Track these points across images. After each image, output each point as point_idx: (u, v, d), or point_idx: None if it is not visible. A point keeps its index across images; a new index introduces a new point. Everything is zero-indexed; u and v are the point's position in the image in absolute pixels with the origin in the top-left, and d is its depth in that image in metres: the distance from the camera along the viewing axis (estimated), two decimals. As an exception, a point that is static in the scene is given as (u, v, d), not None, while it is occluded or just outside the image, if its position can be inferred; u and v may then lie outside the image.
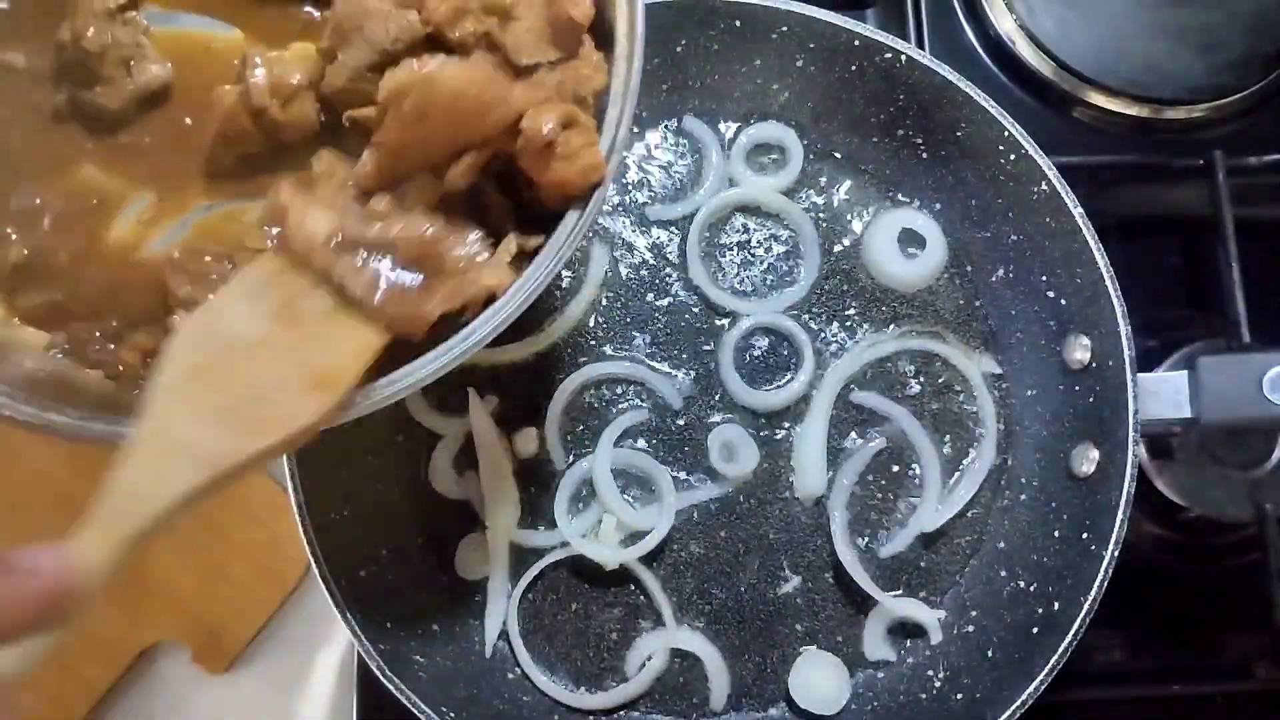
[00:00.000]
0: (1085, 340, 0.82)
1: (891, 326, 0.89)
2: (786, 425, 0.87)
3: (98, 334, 0.62)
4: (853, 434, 0.87)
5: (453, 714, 0.76)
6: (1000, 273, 0.88)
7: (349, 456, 0.81)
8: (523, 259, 0.59)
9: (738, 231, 0.91)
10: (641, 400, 0.87)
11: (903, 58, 0.84)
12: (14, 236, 0.62)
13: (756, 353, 0.88)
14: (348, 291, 0.57)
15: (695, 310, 0.89)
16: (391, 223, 0.58)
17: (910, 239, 0.89)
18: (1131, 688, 0.88)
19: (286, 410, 0.56)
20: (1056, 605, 0.78)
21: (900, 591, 0.84)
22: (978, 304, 0.89)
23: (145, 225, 0.63)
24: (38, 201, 0.62)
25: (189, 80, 0.65)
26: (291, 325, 0.57)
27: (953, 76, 0.84)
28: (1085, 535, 0.78)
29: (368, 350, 0.57)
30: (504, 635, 0.83)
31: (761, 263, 0.90)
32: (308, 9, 0.66)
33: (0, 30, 0.63)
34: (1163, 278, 0.97)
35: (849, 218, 0.91)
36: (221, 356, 0.56)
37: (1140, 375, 0.77)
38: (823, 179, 0.91)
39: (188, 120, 0.64)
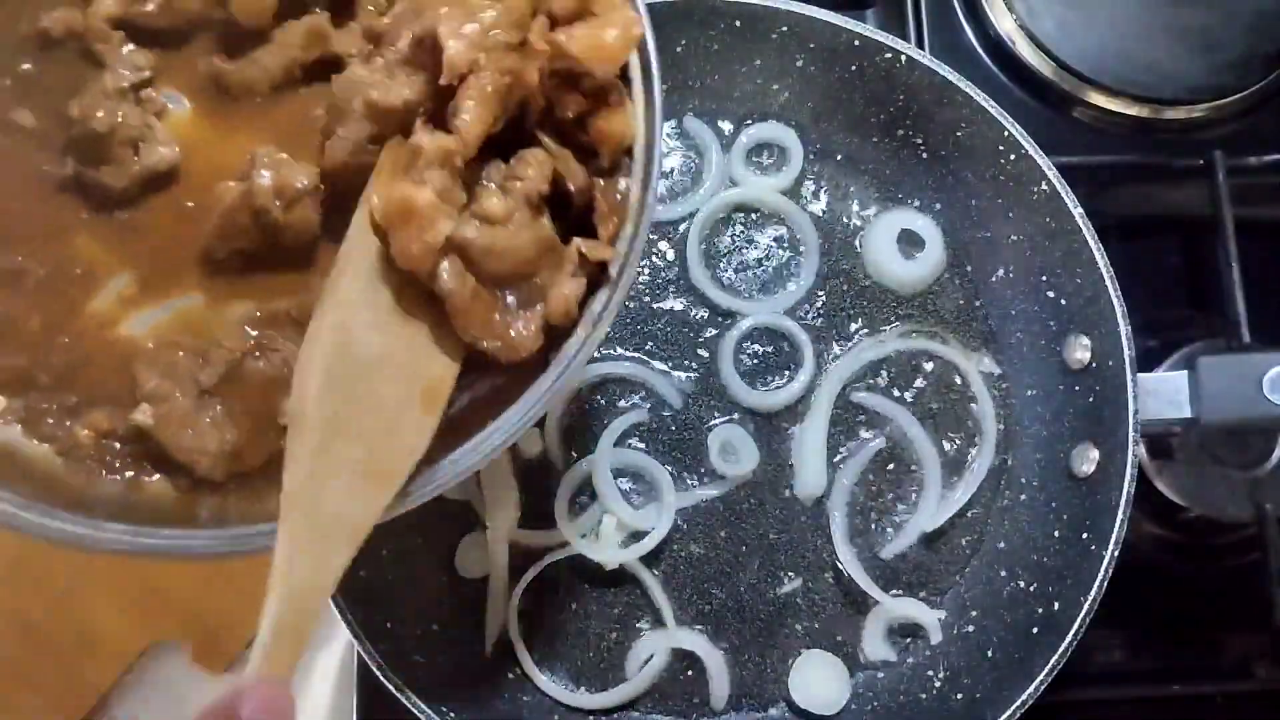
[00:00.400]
0: (1085, 340, 0.82)
1: (891, 326, 0.89)
2: (786, 425, 0.87)
3: (56, 407, 0.60)
4: (853, 434, 0.87)
5: (453, 714, 0.76)
6: (1000, 273, 0.88)
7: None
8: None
9: (738, 231, 0.91)
10: (642, 400, 0.87)
11: (903, 58, 0.84)
12: None
13: (756, 353, 0.88)
14: (453, 302, 0.52)
15: (695, 310, 0.89)
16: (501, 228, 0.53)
17: (909, 240, 0.89)
18: (1131, 688, 0.88)
19: (409, 441, 0.51)
20: (1056, 605, 0.78)
21: (900, 591, 0.84)
22: (978, 304, 0.89)
23: (126, 303, 0.62)
24: (20, 261, 0.61)
25: (198, 165, 0.63)
26: (406, 323, 0.52)
27: (953, 76, 0.84)
28: (1085, 535, 0.78)
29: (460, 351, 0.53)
30: (504, 635, 0.83)
31: (761, 263, 0.90)
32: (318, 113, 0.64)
33: (12, 88, 0.62)
34: (1163, 278, 0.97)
35: (849, 218, 0.91)
36: (353, 391, 0.50)
37: (1140, 375, 0.77)
38: (823, 179, 0.91)
39: (190, 204, 0.63)
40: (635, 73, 0.58)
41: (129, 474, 0.61)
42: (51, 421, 0.61)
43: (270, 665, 0.47)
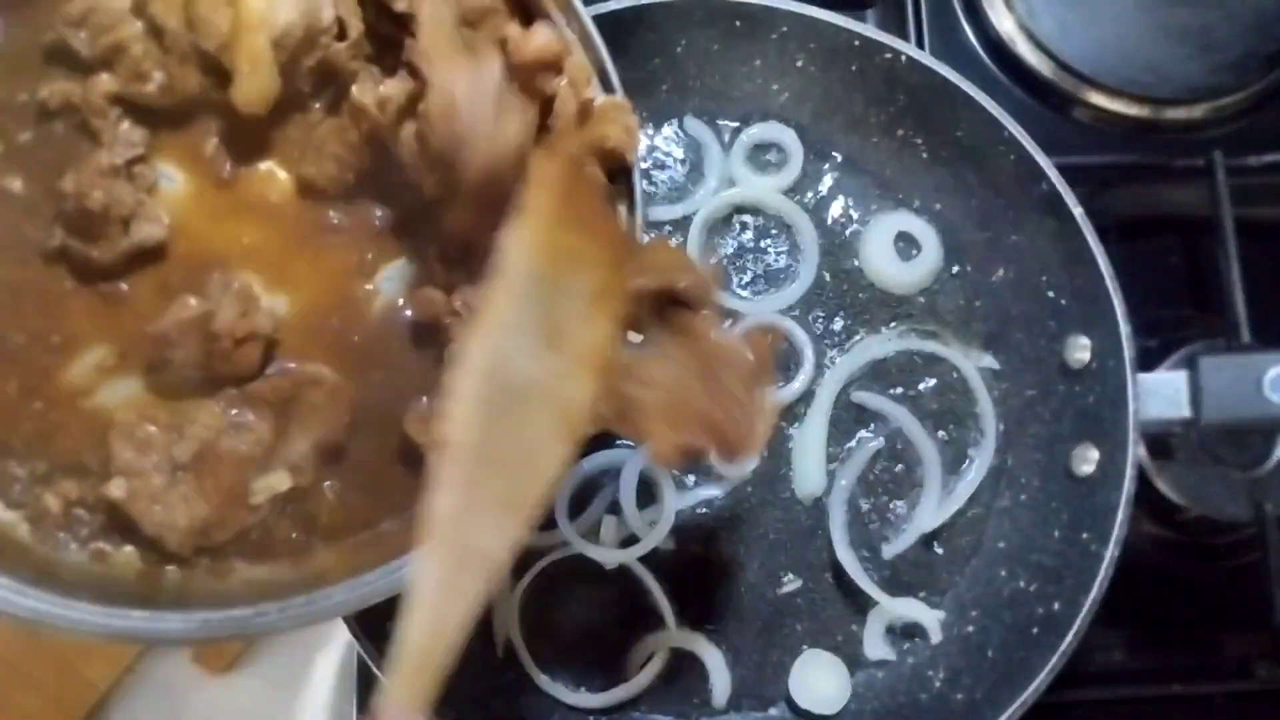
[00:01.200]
0: (1085, 340, 0.82)
1: (891, 326, 0.89)
2: (785, 425, 0.87)
3: (26, 473, 0.61)
4: (853, 434, 0.87)
5: (453, 714, 0.75)
6: (1000, 273, 0.88)
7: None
8: None
9: (738, 231, 0.91)
10: (641, 400, 0.87)
11: (903, 58, 0.84)
12: None
13: (756, 353, 0.88)
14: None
15: (695, 310, 0.89)
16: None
17: (907, 241, 0.90)
18: (1131, 688, 0.88)
19: (546, 472, 0.49)
20: (1056, 605, 0.78)
21: (900, 592, 0.84)
22: (978, 304, 0.89)
23: (102, 373, 0.62)
24: None
25: (185, 245, 0.64)
26: (558, 348, 0.50)
27: (953, 76, 0.83)
28: (1085, 535, 0.78)
29: (603, 358, 0.52)
30: (504, 635, 0.83)
31: (761, 262, 0.90)
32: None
33: (4, 155, 0.62)
34: (1163, 278, 0.97)
35: (848, 218, 0.91)
36: (503, 419, 0.48)
37: (1140, 375, 0.77)
38: (823, 179, 0.91)
39: (175, 281, 0.63)
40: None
41: (95, 545, 0.61)
42: (20, 488, 0.61)
43: (404, 691, 0.46)
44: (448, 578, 0.47)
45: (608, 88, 0.63)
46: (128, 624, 0.56)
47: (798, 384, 0.87)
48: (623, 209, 0.62)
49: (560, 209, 0.51)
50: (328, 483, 0.64)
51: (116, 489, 0.58)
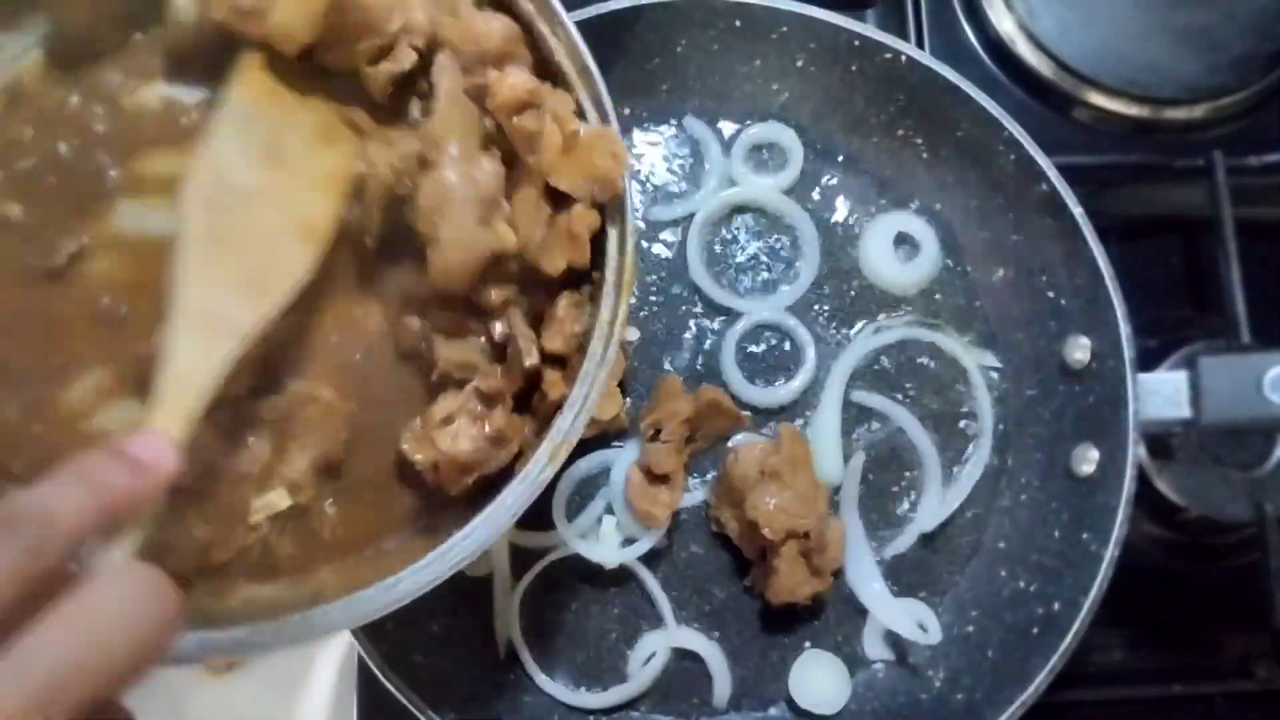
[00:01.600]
0: (1085, 340, 0.82)
1: (892, 326, 0.88)
2: (788, 423, 0.87)
3: None
4: (848, 434, 0.87)
5: (453, 714, 0.76)
6: (1000, 273, 0.88)
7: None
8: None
9: (738, 231, 0.91)
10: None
11: (903, 58, 0.84)
12: None
13: (757, 351, 0.88)
14: None
15: (696, 309, 0.89)
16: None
17: (905, 243, 0.90)
18: (1131, 688, 0.88)
19: (288, 265, 0.59)
20: (1056, 605, 0.78)
21: (901, 592, 0.84)
22: (978, 304, 0.89)
23: (101, 395, 0.62)
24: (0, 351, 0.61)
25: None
26: (278, 167, 0.60)
27: (953, 76, 0.84)
28: (1085, 535, 0.78)
29: (342, 183, 0.61)
30: (505, 635, 0.83)
31: (762, 262, 0.90)
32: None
33: (4, 181, 0.63)
34: (1163, 278, 0.97)
35: (848, 218, 0.91)
36: (229, 211, 0.58)
37: (1140, 375, 0.77)
38: (823, 179, 0.91)
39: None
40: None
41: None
42: None
43: (156, 423, 0.52)
44: (191, 336, 0.55)
45: (601, 112, 0.63)
46: None
47: (798, 381, 0.87)
48: (613, 232, 0.63)
49: (267, 69, 0.62)
50: (328, 500, 0.64)
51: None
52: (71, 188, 0.64)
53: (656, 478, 0.81)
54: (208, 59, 0.63)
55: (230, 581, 0.62)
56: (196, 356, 0.54)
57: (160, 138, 0.65)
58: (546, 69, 0.64)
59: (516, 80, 0.60)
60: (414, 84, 0.63)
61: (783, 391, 0.87)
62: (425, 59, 0.62)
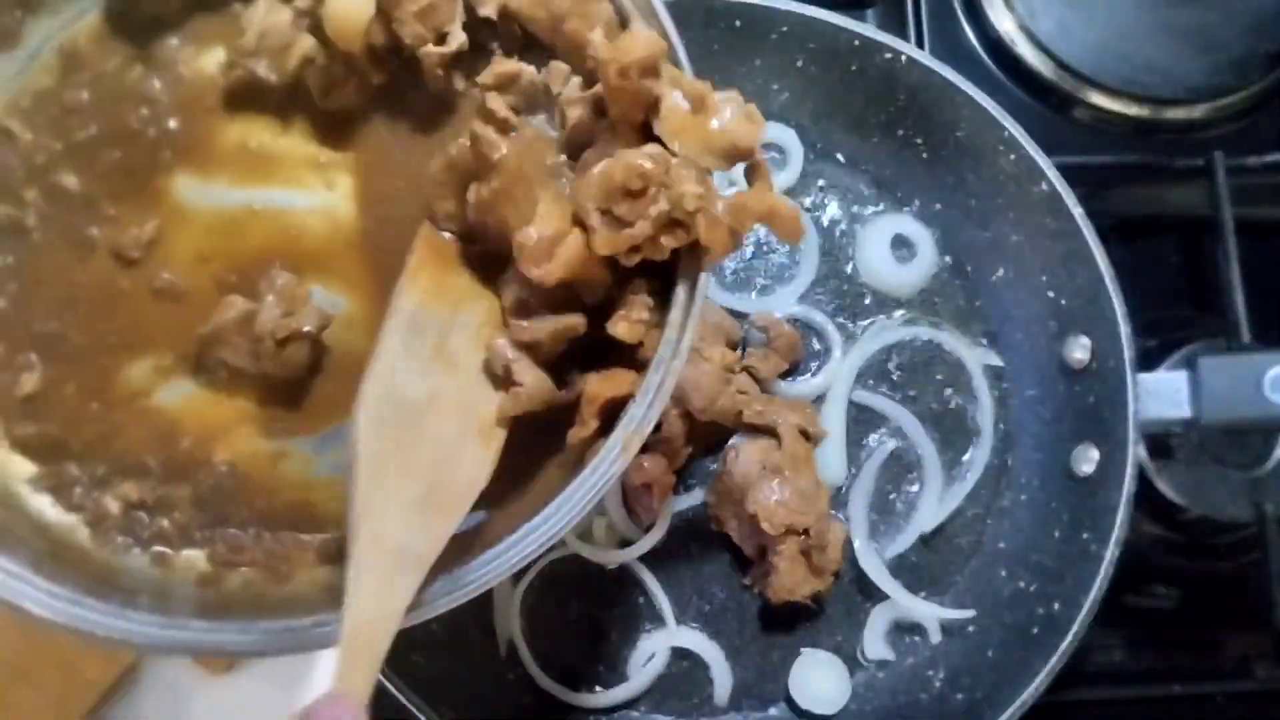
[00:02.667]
0: (1085, 340, 0.82)
1: (891, 327, 0.88)
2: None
3: (86, 476, 0.60)
4: (867, 436, 0.87)
5: (453, 714, 0.76)
6: (1000, 273, 0.88)
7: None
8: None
9: (738, 231, 0.91)
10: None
11: (903, 58, 0.84)
12: (35, 362, 0.60)
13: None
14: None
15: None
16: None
17: (903, 244, 0.90)
18: (1131, 688, 0.88)
19: (469, 473, 0.55)
20: (1056, 605, 0.78)
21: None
22: (978, 304, 0.89)
23: (160, 373, 0.62)
24: (58, 326, 0.61)
25: (234, 244, 0.63)
26: (450, 370, 0.57)
27: (953, 76, 0.84)
28: (1085, 535, 0.78)
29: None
30: (506, 635, 0.83)
31: (761, 261, 0.90)
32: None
33: (62, 153, 0.62)
34: (1163, 278, 0.97)
35: (848, 218, 0.91)
36: (405, 427, 0.54)
37: (1140, 375, 0.77)
38: (823, 179, 0.92)
39: (233, 278, 0.63)
40: None
41: (156, 548, 0.61)
42: (80, 491, 0.61)
43: (343, 684, 0.49)
44: (374, 575, 0.51)
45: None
46: (186, 635, 0.55)
47: (820, 379, 0.87)
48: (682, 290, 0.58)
49: (432, 266, 0.59)
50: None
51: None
52: (129, 158, 0.63)
53: (646, 485, 0.82)
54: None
55: (300, 556, 0.61)
56: (381, 599, 0.51)
57: (219, 107, 0.64)
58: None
59: (642, 39, 0.56)
60: None
61: (803, 388, 0.87)
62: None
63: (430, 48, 0.61)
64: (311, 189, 0.65)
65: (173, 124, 0.63)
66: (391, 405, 0.55)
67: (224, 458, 0.62)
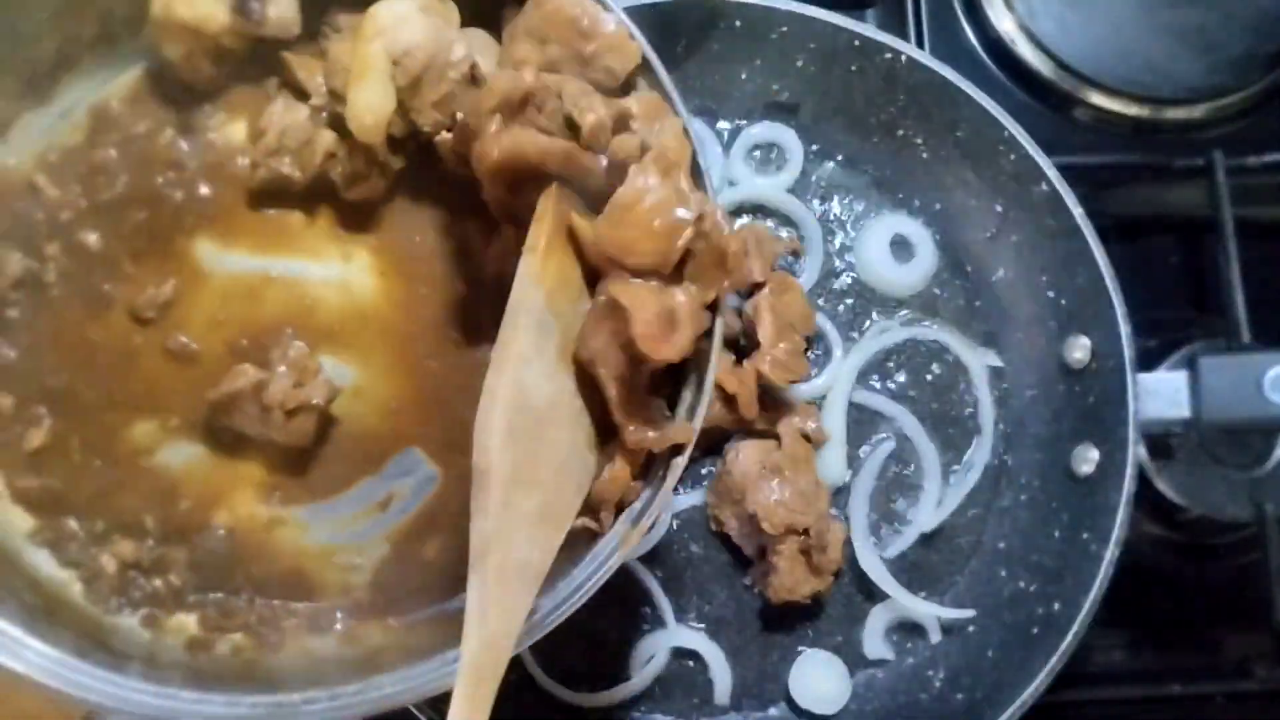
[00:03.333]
0: (1085, 340, 0.82)
1: (892, 327, 0.88)
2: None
3: (84, 532, 0.61)
4: (868, 437, 0.87)
5: (453, 714, 0.75)
6: (1000, 273, 0.88)
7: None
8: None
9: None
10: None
11: (903, 58, 0.84)
12: (44, 415, 0.61)
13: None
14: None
15: (695, 310, 0.89)
16: None
17: (903, 244, 0.89)
18: (1131, 688, 0.88)
19: (577, 479, 0.53)
20: (1056, 605, 0.78)
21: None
22: (978, 304, 0.89)
23: (166, 434, 0.62)
24: (68, 381, 0.61)
25: (252, 311, 0.64)
26: (570, 371, 0.54)
27: (953, 76, 0.84)
28: (1085, 535, 0.78)
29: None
30: (504, 635, 0.83)
31: (762, 262, 0.90)
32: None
33: (87, 210, 0.62)
34: (1163, 278, 0.97)
35: (848, 218, 0.91)
36: (531, 441, 0.52)
37: (1140, 375, 0.77)
38: (823, 179, 0.91)
39: (245, 343, 0.64)
40: None
41: (147, 610, 0.61)
42: (77, 547, 0.61)
43: (470, 708, 0.48)
44: (498, 596, 0.49)
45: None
46: (175, 704, 0.56)
47: (821, 380, 0.87)
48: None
49: (561, 253, 0.55)
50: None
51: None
52: (152, 220, 0.63)
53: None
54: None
55: (291, 625, 0.61)
56: (504, 618, 0.50)
57: (245, 175, 0.64)
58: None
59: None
60: None
61: (806, 389, 0.87)
62: None
63: (446, 135, 0.62)
64: (329, 261, 0.65)
65: (198, 190, 0.64)
66: (521, 414, 0.52)
67: (222, 522, 0.63)
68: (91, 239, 0.62)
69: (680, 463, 0.56)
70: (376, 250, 0.66)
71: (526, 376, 0.52)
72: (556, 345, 0.54)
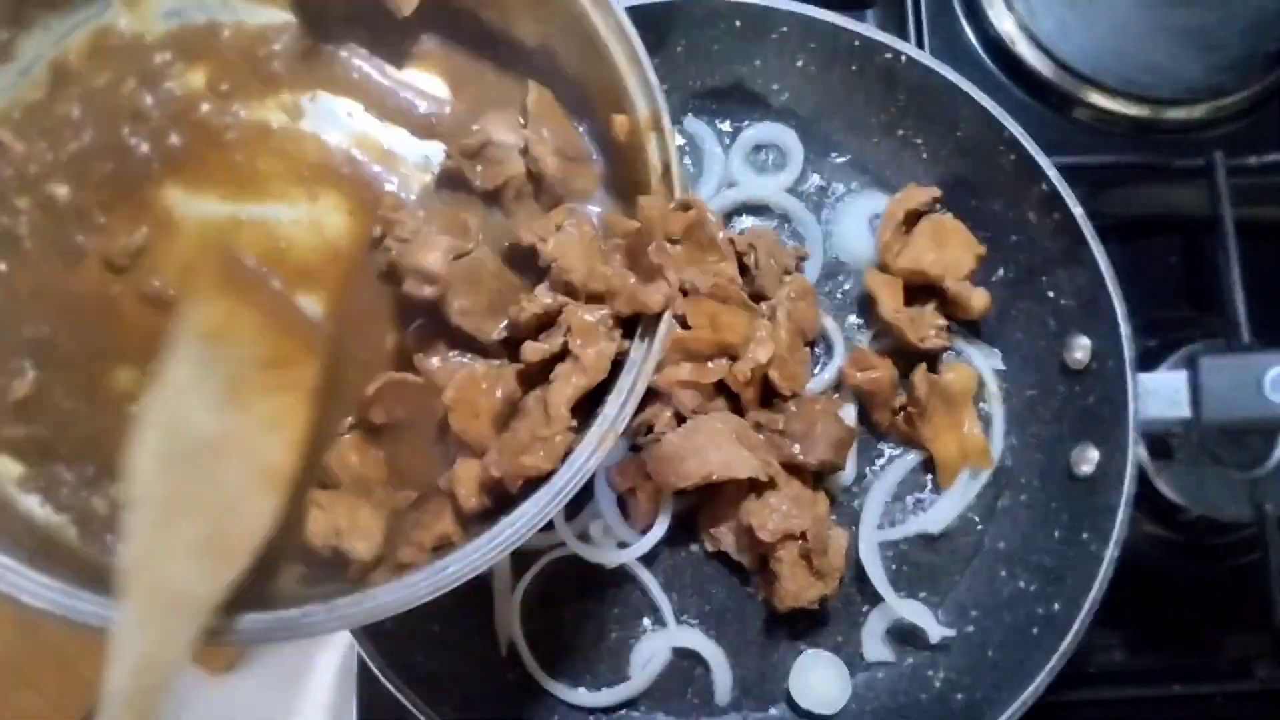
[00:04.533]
0: (1085, 340, 0.82)
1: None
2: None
3: (74, 477, 0.61)
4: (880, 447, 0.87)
5: (453, 714, 0.76)
6: (1000, 273, 0.88)
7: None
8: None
9: (739, 231, 0.91)
10: (641, 400, 0.87)
11: (903, 58, 0.84)
12: (28, 369, 0.61)
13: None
14: None
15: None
16: None
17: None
18: (1131, 688, 0.88)
19: (251, 521, 0.54)
20: (1056, 605, 0.78)
21: (903, 592, 0.84)
22: (978, 304, 0.89)
23: (149, 376, 0.61)
24: (49, 332, 0.62)
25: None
26: (241, 408, 0.56)
27: (953, 76, 0.83)
28: (1085, 535, 0.78)
29: (300, 423, 0.57)
30: (506, 635, 0.83)
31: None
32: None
33: (54, 163, 0.63)
34: (1163, 278, 0.97)
35: (848, 218, 0.91)
36: (188, 465, 0.53)
37: (1140, 375, 0.77)
38: (822, 179, 0.91)
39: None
40: None
41: None
42: (68, 492, 0.61)
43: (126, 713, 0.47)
44: (152, 620, 0.49)
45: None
46: None
47: (828, 374, 0.87)
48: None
49: (230, 293, 0.59)
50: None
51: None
52: (119, 171, 0.64)
53: (631, 490, 0.82)
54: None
55: (285, 559, 0.61)
56: (156, 645, 0.50)
57: (205, 119, 0.65)
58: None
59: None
60: None
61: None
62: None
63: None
64: (297, 203, 0.66)
65: (163, 139, 0.65)
66: (174, 439, 0.54)
67: None
68: (61, 191, 0.63)
69: (664, 329, 0.60)
70: (342, 190, 0.67)
71: (185, 405, 0.54)
72: (221, 385, 0.56)
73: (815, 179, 0.91)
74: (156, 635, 0.50)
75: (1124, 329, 0.78)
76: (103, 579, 0.58)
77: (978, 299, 0.85)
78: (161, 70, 0.65)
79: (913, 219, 0.86)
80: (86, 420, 0.62)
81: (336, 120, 0.67)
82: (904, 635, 0.84)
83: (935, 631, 0.83)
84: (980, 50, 1.02)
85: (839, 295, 0.90)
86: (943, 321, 0.86)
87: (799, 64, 0.88)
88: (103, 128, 0.64)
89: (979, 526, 0.86)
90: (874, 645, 0.84)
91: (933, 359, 0.86)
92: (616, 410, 0.60)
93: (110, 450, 0.61)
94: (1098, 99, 0.99)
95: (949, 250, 0.84)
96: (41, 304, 0.62)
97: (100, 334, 0.63)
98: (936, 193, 0.87)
